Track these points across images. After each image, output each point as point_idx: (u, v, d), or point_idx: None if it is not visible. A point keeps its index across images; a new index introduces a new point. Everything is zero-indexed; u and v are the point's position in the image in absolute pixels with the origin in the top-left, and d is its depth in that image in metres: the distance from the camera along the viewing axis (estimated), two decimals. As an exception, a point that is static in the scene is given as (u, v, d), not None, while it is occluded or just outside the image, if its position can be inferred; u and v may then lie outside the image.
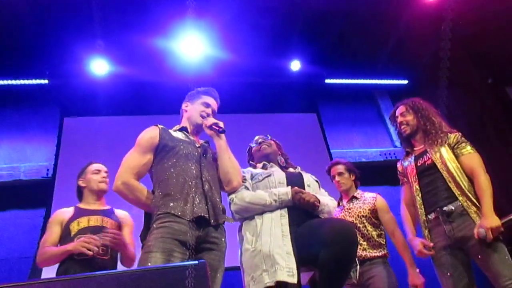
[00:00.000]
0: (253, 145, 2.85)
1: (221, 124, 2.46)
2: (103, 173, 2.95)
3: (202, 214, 2.13)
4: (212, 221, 2.17)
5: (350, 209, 3.24)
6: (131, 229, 2.90)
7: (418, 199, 2.74)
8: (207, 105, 2.59)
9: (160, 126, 2.41)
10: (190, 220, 2.08)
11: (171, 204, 2.11)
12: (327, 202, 2.49)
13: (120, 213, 2.93)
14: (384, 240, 3.16)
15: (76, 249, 2.50)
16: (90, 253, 2.49)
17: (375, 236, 3.11)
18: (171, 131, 2.46)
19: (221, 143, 2.43)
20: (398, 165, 3.04)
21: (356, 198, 3.29)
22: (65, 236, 2.65)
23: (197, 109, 2.57)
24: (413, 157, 2.86)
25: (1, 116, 5.54)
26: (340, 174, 3.36)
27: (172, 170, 2.24)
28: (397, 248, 3.11)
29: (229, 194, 2.44)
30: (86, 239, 2.52)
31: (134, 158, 2.28)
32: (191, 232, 2.06)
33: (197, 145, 2.44)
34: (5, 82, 5.44)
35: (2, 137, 5.41)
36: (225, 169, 2.40)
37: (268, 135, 2.90)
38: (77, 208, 2.82)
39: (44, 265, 2.68)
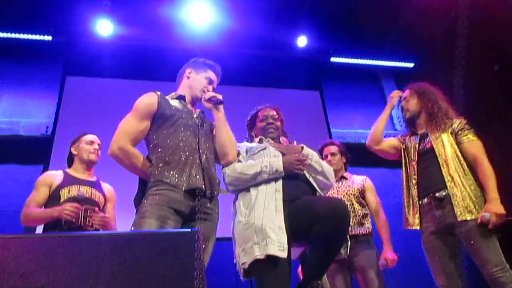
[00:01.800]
0: (260, 114, 2.77)
1: (219, 96, 2.42)
2: (96, 145, 3.04)
3: (199, 186, 2.14)
4: (208, 193, 2.18)
5: (338, 187, 3.32)
6: (114, 204, 3.03)
7: (414, 181, 2.77)
8: (210, 82, 2.55)
9: (158, 93, 2.36)
10: (185, 191, 2.09)
11: (168, 173, 2.11)
12: (311, 152, 2.52)
13: (106, 186, 3.04)
14: (369, 221, 3.26)
15: (60, 215, 2.58)
16: (72, 219, 2.58)
17: (361, 215, 3.20)
18: (168, 98, 2.41)
19: (220, 116, 2.41)
20: (399, 136, 3.08)
21: (345, 178, 3.38)
22: (53, 200, 2.74)
23: (200, 82, 2.52)
24: (418, 138, 2.88)
25: (3, 70, 5.47)
26: (332, 154, 3.43)
27: (169, 139, 2.22)
28: (377, 226, 3.24)
29: (223, 167, 2.44)
30: (69, 207, 2.59)
31: (131, 124, 2.25)
32: (185, 202, 2.09)
33: (195, 115, 2.42)
34: (8, 35, 5.33)
35: (4, 91, 5.37)
36: (222, 142, 2.39)
37: (278, 113, 2.81)
38: (66, 174, 2.92)
39: (27, 224, 2.75)
